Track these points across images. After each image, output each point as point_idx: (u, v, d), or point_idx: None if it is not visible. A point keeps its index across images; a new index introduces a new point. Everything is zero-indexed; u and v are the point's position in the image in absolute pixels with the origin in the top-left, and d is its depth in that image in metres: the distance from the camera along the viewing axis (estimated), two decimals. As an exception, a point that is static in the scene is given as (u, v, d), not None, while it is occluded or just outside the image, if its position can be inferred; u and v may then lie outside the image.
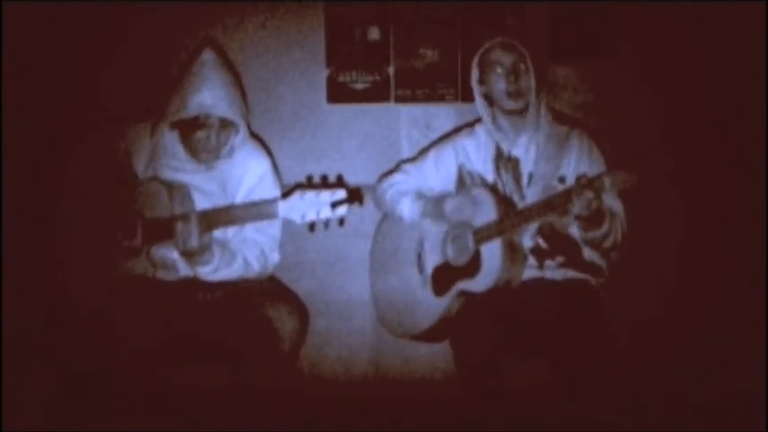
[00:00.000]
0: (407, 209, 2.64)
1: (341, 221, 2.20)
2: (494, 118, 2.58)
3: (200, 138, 2.43)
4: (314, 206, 2.19)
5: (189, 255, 2.33)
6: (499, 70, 2.48)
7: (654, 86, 2.93)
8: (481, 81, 2.55)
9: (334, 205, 2.18)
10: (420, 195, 2.64)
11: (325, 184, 2.21)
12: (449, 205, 2.53)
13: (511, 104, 2.48)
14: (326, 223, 2.20)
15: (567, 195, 2.28)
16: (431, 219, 2.60)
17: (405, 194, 2.66)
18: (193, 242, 2.28)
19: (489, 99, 2.55)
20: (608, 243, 2.42)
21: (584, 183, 2.23)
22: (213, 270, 2.40)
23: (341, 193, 2.18)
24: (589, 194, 2.22)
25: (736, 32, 2.85)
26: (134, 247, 2.38)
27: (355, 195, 2.20)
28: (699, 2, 2.85)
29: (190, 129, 2.43)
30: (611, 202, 2.45)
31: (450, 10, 3.00)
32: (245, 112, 2.51)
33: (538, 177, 2.51)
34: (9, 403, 2.45)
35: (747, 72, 2.85)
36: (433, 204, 2.58)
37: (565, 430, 2.31)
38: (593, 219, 2.31)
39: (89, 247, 2.41)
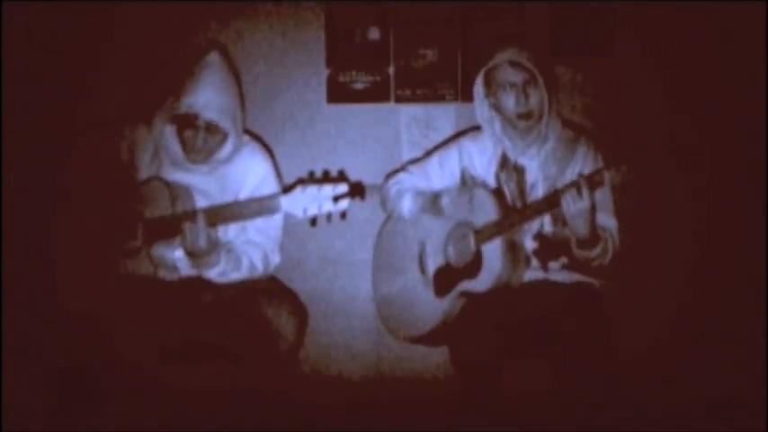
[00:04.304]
0: (407, 206, 2.63)
1: (343, 215, 2.19)
2: (502, 127, 2.54)
3: (188, 136, 2.42)
4: (316, 200, 2.18)
5: (196, 256, 2.33)
6: (509, 90, 2.43)
7: (653, 86, 2.93)
8: (488, 95, 2.51)
9: (336, 199, 2.17)
10: (420, 192, 2.64)
11: (326, 178, 2.20)
12: (445, 200, 2.53)
13: (522, 124, 2.46)
14: (329, 217, 2.19)
15: (557, 194, 2.31)
16: (428, 214, 2.59)
17: (406, 191, 2.65)
18: (202, 242, 2.27)
19: (497, 109, 2.51)
20: (596, 263, 2.43)
21: (570, 183, 2.28)
22: (220, 273, 2.40)
23: (343, 187, 2.18)
24: (573, 192, 2.25)
25: (736, 32, 2.85)
26: (134, 247, 2.37)
27: (357, 189, 2.19)
28: (699, 2, 2.85)
29: (182, 126, 2.43)
30: (606, 219, 2.46)
31: (451, 10, 3.00)
32: (239, 123, 2.48)
33: (543, 179, 2.50)
34: (9, 403, 2.44)
35: (747, 72, 2.85)
36: (431, 200, 2.58)
37: (566, 431, 2.31)
38: (587, 240, 2.34)
39: (89, 247, 2.41)
